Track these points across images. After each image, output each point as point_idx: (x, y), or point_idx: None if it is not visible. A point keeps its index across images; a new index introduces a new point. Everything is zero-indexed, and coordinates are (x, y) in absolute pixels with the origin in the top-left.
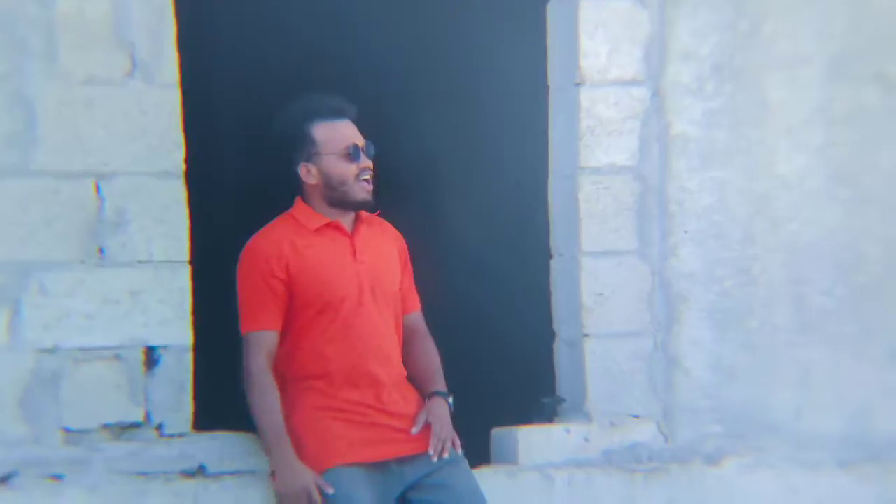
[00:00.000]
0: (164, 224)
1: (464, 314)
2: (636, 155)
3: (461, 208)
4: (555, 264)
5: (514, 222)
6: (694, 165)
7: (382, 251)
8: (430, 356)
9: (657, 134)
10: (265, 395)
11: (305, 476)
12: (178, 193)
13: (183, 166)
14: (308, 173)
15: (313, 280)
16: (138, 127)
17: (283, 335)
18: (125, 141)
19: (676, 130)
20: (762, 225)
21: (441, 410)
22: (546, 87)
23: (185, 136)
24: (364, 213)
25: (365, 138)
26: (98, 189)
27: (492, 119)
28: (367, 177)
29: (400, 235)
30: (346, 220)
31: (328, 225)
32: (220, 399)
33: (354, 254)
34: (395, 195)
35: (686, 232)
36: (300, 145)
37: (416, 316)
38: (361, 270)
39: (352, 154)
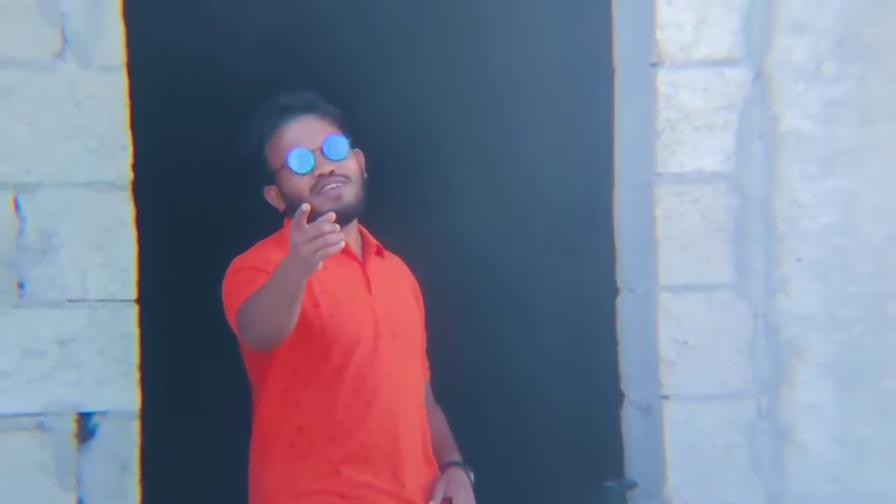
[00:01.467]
0: (103, 251)
1: (503, 372)
2: (732, 157)
3: (498, 230)
4: (623, 303)
5: (567, 248)
6: (810, 172)
7: (398, 287)
8: (441, 423)
9: (760, 130)
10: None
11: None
12: (122, 211)
13: (129, 175)
14: (276, 198)
15: (318, 312)
16: (71, 123)
17: (275, 389)
18: (53, 141)
19: (786, 125)
20: None
21: (463, 481)
22: (611, 69)
23: (133, 135)
24: (371, 238)
25: (343, 132)
26: (17, 205)
27: (538, 112)
28: (330, 185)
29: (412, 275)
30: (352, 239)
31: None
32: (176, 481)
33: (369, 285)
34: (413, 217)
35: (800, 260)
36: (261, 166)
37: (426, 386)
38: (378, 307)
39: (293, 165)
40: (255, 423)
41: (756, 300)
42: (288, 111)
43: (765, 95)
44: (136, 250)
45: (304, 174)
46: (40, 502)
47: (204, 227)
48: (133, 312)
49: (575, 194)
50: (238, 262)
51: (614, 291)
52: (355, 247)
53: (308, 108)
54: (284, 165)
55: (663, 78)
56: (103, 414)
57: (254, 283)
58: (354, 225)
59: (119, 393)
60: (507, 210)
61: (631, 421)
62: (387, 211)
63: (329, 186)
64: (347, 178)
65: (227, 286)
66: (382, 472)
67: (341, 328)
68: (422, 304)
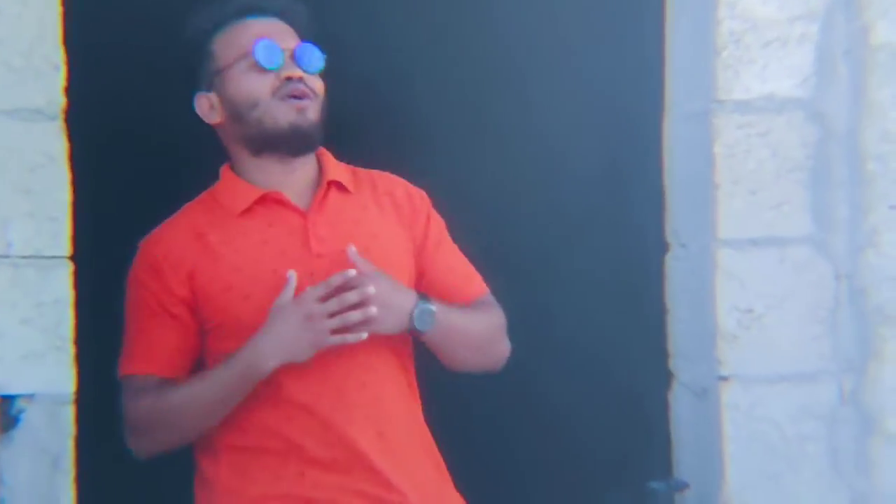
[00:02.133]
0: (29, 196)
1: (531, 347)
2: (811, 80)
3: (521, 172)
4: (673, 261)
5: (605, 194)
6: None
7: (365, 230)
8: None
9: (846, 45)
10: (173, 394)
11: (284, 306)
12: (53, 145)
13: (62, 100)
14: (209, 108)
15: (233, 297)
16: None
17: None
18: None
19: (878, 39)
20: None
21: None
22: None
23: (66, 51)
24: (338, 169)
25: (313, 43)
26: None
27: (571, 26)
28: (296, 91)
29: (417, 191)
30: (296, 184)
31: (262, 200)
32: (117, 478)
33: (307, 242)
34: (424, 157)
35: (893, 208)
36: (199, 68)
37: (486, 298)
38: (318, 269)
39: (259, 58)
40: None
41: (839, 257)
42: (254, 8)
43: (852, 1)
44: (69, 195)
45: (269, 70)
46: None
47: (155, 165)
48: (66, 272)
49: (615, 127)
50: (141, 252)
51: (663, 247)
52: (300, 191)
53: (281, 13)
54: (242, 59)
55: None
56: (29, 397)
57: (144, 338)
58: (311, 159)
59: (49, 372)
60: (531, 148)
61: (681, 407)
62: (391, 156)
63: (297, 100)
64: (316, 95)
65: (126, 305)
66: (357, 471)
67: (261, 312)
68: (432, 222)
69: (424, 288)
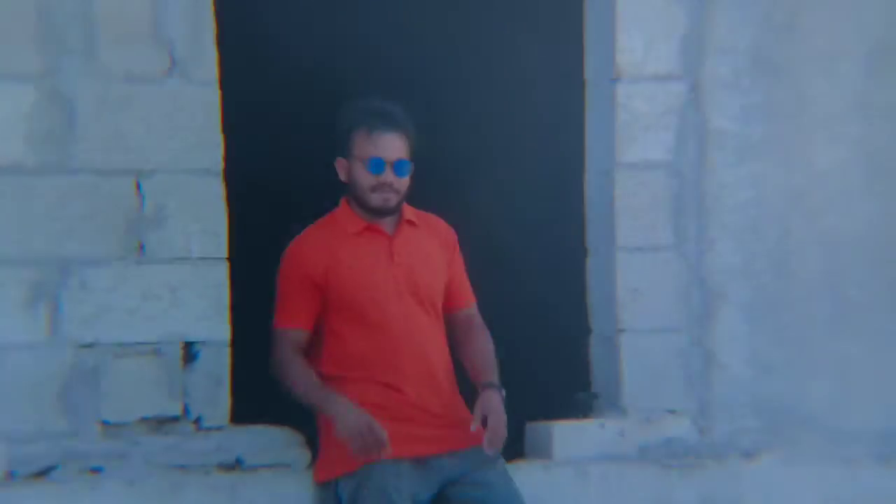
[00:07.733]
0: (202, 221)
1: (498, 310)
2: (672, 150)
3: (496, 204)
4: (590, 260)
5: (549, 218)
6: (731, 160)
7: (424, 251)
8: (485, 348)
9: (694, 129)
10: (295, 367)
11: (364, 415)
12: (216, 191)
13: (221, 164)
14: (342, 169)
15: (348, 284)
16: (177, 125)
17: (321, 335)
18: (164, 138)
19: (713, 125)
20: (799, 219)
21: (496, 403)
22: (582, 82)
23: (224, 134)
24: (410, 212)
25: (409, 156)
26: (138, 186)
27: (527, 114)
28: (385, 192)
29: (450, 229)
30: (388, 221)
31: (367, 228)
32: (257, 393)
33: (392, 256)
34: (429, 193)
35: (723, 227)
36: (343, 142)
37: (472, 311)
38: (398, 273)
39: (370, 167)
40: (322, 359)
41: (689, 257)
42: (384, 121)
43: (697, 102)
44: (226, 221)
45: (374, 174)
46: (157, 408)
47: (277, 202)
48: (225, 267)
49: (556, 178)
50: (292, 252)
51: (584, 251)
52: (389, 226)
53: (398, 127)
54: (363, 160)
55: (621, 90)
56: (203, 343)
57: (295, 306)
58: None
59: (214, 327)
60: (508, 189)
61: (596, 348)
62: (429, 193)
63: (384, 194)
64: (398, 192)
65: (279, 281)
66: (406, 393)
67: (365, 295)
68: (455, 250)
69: (445, 288)
